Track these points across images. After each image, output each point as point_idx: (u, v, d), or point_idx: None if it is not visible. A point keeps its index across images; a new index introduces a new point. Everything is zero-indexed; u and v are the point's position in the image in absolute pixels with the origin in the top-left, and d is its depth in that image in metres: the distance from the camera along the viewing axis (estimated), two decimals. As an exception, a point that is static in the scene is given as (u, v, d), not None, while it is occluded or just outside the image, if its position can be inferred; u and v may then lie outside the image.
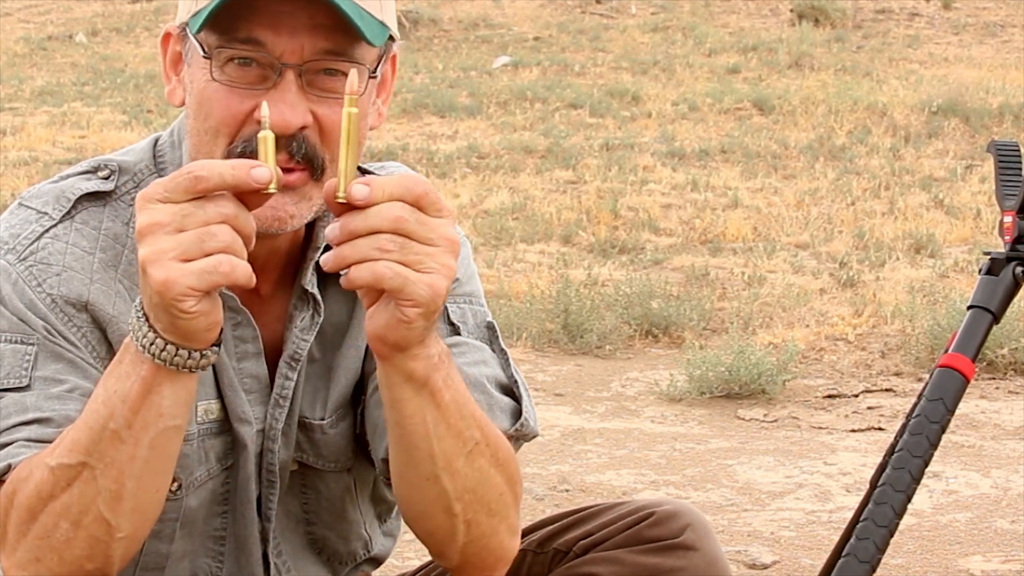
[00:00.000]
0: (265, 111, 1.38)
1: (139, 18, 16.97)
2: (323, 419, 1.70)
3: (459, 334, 1.69)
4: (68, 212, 1.59)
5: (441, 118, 11.81)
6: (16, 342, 1.52)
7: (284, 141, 1.49)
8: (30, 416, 1.48)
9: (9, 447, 1.47)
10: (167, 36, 1.61)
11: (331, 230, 1.36)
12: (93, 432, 1.42)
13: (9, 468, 1.46)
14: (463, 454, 1.51)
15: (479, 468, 1.53)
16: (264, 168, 1.34)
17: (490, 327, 1.72)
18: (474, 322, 1.72)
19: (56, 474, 1.43)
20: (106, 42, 16.10)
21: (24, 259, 1.56)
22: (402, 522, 1.76)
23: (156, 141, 1.67)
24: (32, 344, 1.52)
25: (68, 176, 1.64)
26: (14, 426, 1.48)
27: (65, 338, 1.54)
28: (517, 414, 1.66)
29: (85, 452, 1.42)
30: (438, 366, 1.46)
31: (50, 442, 1.46)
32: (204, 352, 1.41)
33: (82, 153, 10.16)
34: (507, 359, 1.70)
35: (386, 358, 1.44)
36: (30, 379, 1.50)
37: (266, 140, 1.37)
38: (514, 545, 1.62)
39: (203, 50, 1.52)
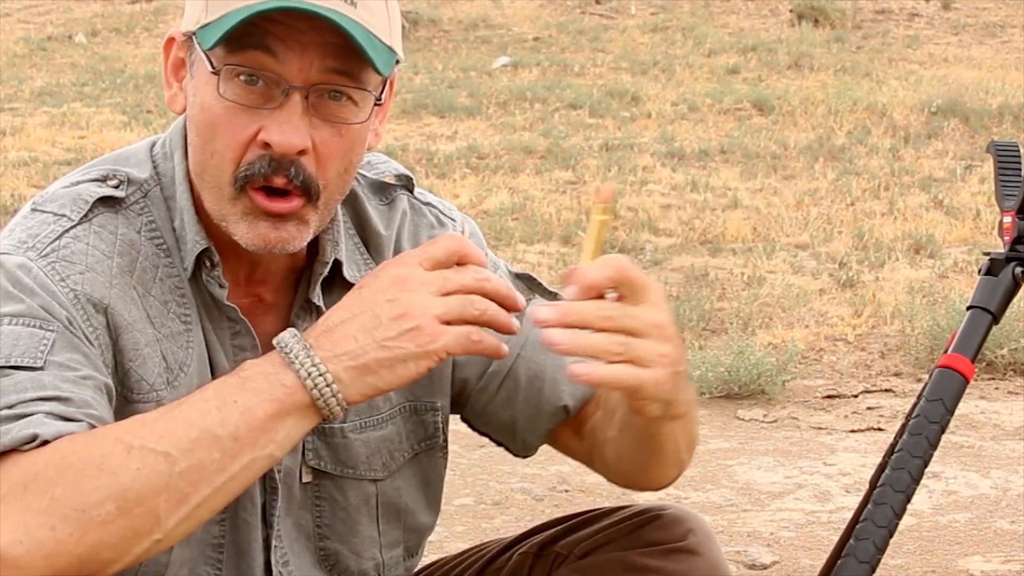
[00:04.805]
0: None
1: (139, 18, 16.96)
2: (343, 423, 1.70)
3: None
4: (86, 215, 1.58)
5: (441, 118, 11.79)
6: (35, 326, 1.49)
7: (284, 164, 1.51)
8: (49, 393, 1.44)
9: (31, 417, 1.42)
10: (170, 41, 1.60)
11: (547, 312, 1.41)
12: (195, 429, 1.41)
13: (35, 437, 1.40)
14: (695, 432, 1.66)
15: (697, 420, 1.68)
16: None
17: (521, 276, 1.76)
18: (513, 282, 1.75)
19: (133, 454, 1.39)
20: (106, 42, 16.08)
21: (46, 256, 1.55)
22: None
23: (152, 147, 1.66)
24: (51, 331, 1.49)
25: (79, 182, 1.62)
26: (33, 400, 1.44)
27: (84, 333, 1.52)
28: None
29: (176, 445, 1.40)
30: (689, 400, 1.57)
31: (73, 420, 1.43)
32: (350, 407, 1.48)
33: (82, 153, 10.13)
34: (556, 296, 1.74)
35: (643, 413, 1.53)
36: (45, 361, 1.46)
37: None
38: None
39: (211, 65, 1.52)
